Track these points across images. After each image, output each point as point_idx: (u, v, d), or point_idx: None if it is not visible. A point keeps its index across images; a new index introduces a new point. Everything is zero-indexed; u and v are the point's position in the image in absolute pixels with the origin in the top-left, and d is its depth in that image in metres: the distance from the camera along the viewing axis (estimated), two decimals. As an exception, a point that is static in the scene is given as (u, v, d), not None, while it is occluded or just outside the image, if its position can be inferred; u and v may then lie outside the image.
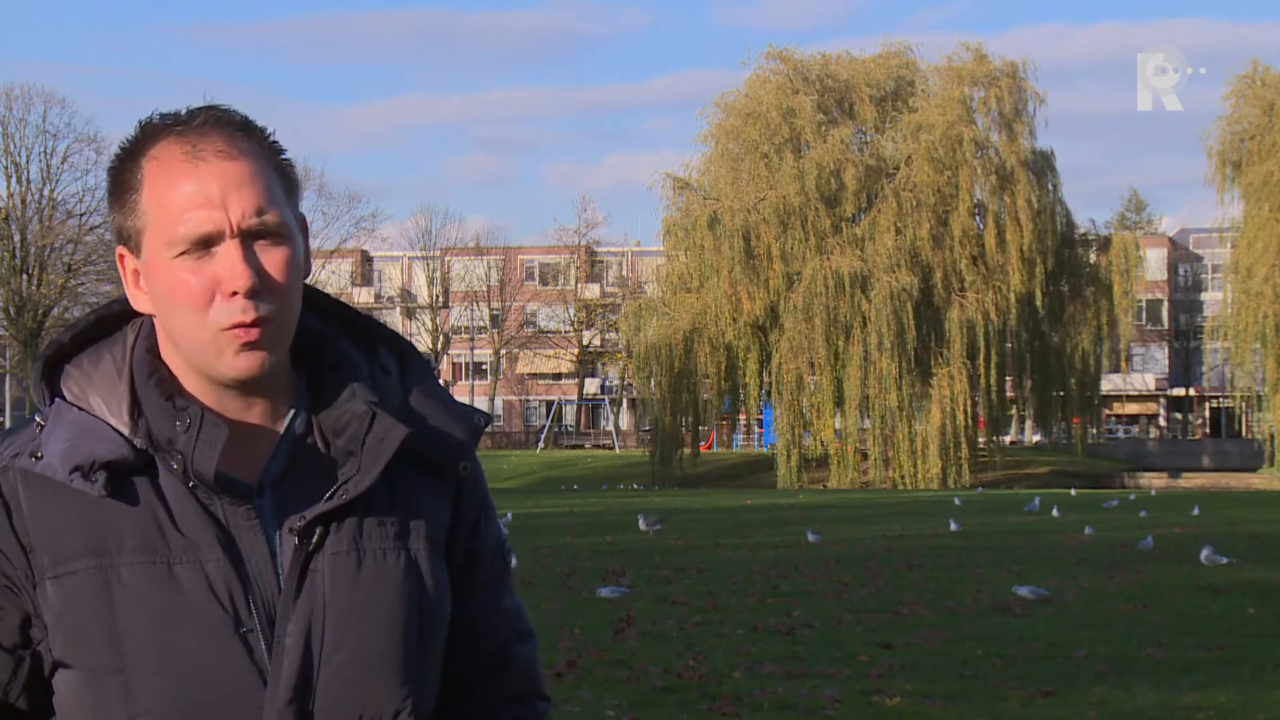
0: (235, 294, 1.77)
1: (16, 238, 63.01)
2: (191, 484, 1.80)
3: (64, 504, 1.78)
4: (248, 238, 1.79)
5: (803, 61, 56.25)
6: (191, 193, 1.78)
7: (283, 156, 1.86)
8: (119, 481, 1.79)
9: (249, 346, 1.78)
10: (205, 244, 1.78)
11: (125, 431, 1.81)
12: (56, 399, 1.85)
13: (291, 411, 1.88)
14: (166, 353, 1.86)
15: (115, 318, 1.91)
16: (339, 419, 1.87)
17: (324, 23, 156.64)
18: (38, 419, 1.84)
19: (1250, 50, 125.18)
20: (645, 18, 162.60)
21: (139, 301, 1.86)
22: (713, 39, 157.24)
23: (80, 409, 1.83)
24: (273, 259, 1.80)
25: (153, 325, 1.88)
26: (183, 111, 1.83)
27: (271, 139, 1.85)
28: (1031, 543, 21.54)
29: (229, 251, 1.78)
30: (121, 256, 1.85)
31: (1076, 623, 12.84)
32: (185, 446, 1.79)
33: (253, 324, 1.78)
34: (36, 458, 1.79)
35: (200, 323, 1.78)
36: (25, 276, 63.23)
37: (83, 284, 64.21)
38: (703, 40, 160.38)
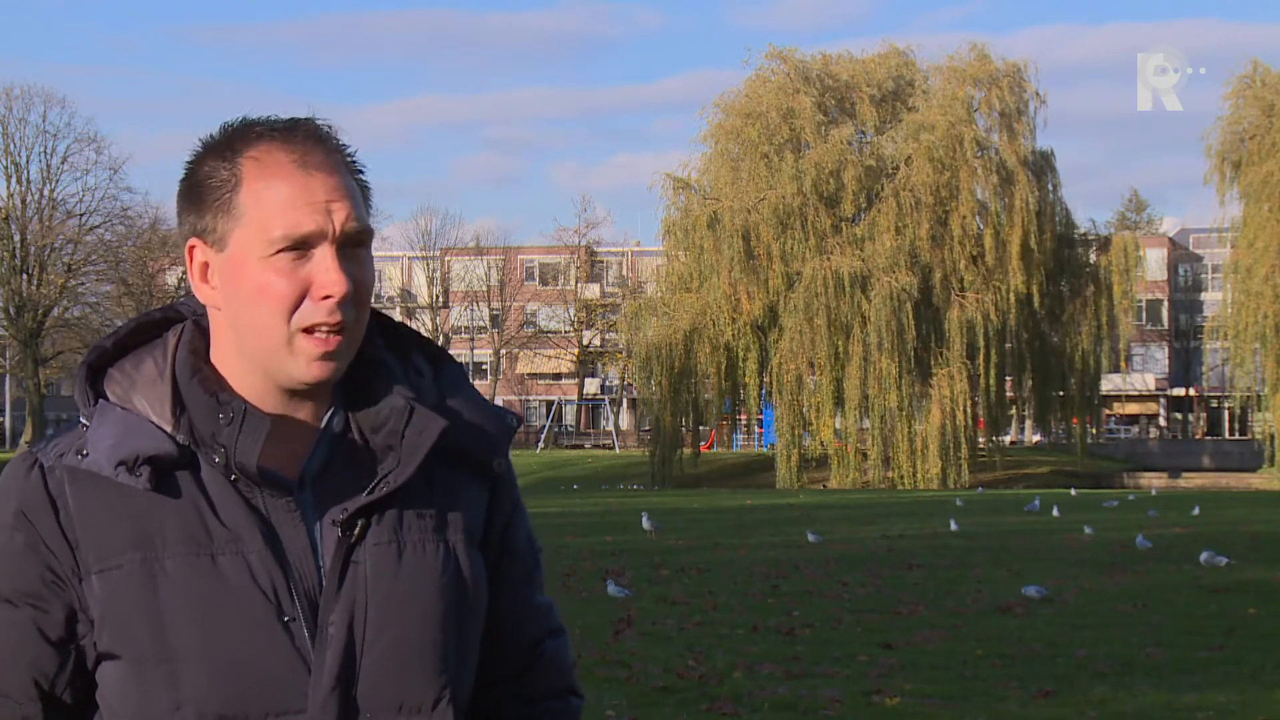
0: (328, 298, 1.82)
1: (16, 238, 63.03)
2: (233, 477, 1.85)
3: (109, 500, 1.83)
4: (344, 245, 1.85)
5: (803, 61, 56.22)
6: (296, 195, 1.83)
7: (361, 175, 1.92)
8: (163, 476, 1.83)
9: (326, 356, 1.84)
10: (303, 245, 1.83)
11: (168, 428, 1.86)
12: (100, 400, 1.89)
13: (330, 410, 1.92)
14: (218, 353, 1.91)
15: (155, 324, 1.96)
16: (377, 415, 1.91)
17: (331, 23, 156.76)
18: (82, 420, 1.89)
19: (1250, 50, 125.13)
20: (656, 19, 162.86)
21: (204, 294, 1.90)
22: (723, 40, 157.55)
23: (124, 409, 1.88)
24: (361, 270, 1.87)
25: (194, 330, 1.93)
26: (279, 119, 1.89)
27: (353, 157, 1.91)
28: (1031, 543, 21.53)
29: (326, 255, 1.84)
30: (192, 248, 1.89)
31: (1076, 623, 12.84)
32: (228, 439, 1.84)
33: (334, 329, 1.83)
34: (82, 455, 1.84)
35: (282, 323, 1.83)
36: (25, 276, 63.25)
37: (83, 284, 64.24)
38: (713, 41, 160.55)
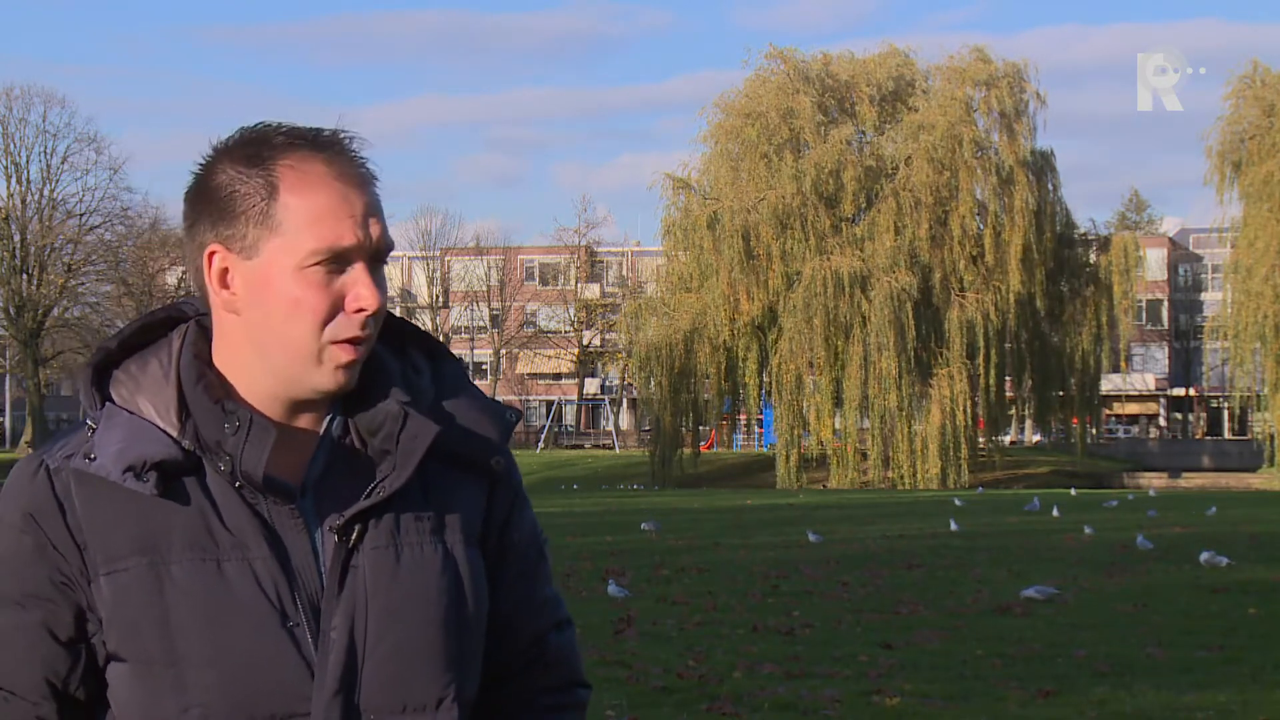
0: (361, 311, 1.85)
1: (16, 238, 63.01)
2: (238, 484, 1.86)
3: (116, 503, 1.85)
4: (374, 260, 1.88)
5: (803, 61, 56.21)
6: (337, 208, 1.85)
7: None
8: (169, 481, 1.85)
9: (350, 366, 1.87)
10: (340, 259, 1.85)
11: (173, 433, 1.87)
12: (107, 403, 1.90)
13: (329, 415, 1.93)
14: (224, 357, 1.91)
15: (159, 325, 1.96)
16: (374, 419, 1.92)
17: (333, 24, 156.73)
18: (89, 422, 1.89)
19: (1250, 50, 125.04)
20: (659, 19, 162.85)
21: (223, 299, 1.89)
22: (727, 40, 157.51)
23: (130, 412, 1.88)
24: (382, 284, 1.89)
25: (199, 332, 1.93)
26: (306, 128, 1.89)
27: (375, 171, 1.93)
28: (1031, 543, 21.53)
29: (362, 272, 1.86)
30: (212, 254, 1.88)
31: (1076, 623, 12.84)
32: (234, 448, 1.85)
33: (361, 341, 1.87)
34: (90, 458, 1.86)
35: (315, 336, 1.85)
36: (25, 276, 63.23)
37: (83, 284, 64.22)
38: (717, 42, 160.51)
